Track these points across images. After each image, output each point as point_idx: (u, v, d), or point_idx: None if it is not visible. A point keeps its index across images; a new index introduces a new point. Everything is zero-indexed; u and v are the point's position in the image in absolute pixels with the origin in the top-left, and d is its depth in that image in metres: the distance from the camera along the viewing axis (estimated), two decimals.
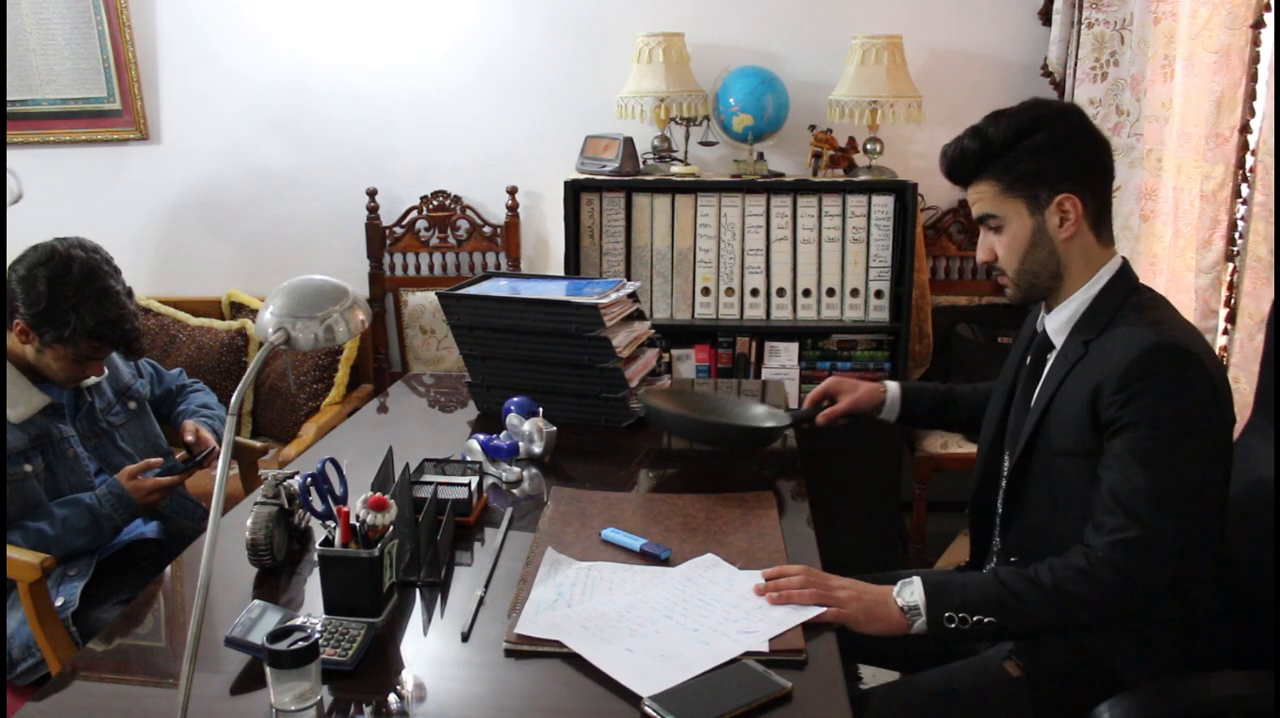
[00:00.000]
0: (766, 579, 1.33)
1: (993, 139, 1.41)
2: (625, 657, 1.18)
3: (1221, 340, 2.34)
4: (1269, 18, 2.47)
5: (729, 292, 2.90)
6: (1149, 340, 1.32)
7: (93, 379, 1.97)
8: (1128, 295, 1.43)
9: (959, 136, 1.46)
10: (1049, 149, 1.40)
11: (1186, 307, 2.37)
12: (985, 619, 1.29)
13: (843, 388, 1.84)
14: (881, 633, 1.30)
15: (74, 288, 1.82)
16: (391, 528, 1.28)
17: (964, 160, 1.45)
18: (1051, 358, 1.49)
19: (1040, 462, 1.44)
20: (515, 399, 1.88)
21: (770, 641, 1.20)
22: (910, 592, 1.32)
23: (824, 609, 1.26)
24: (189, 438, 2.07)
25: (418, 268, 3.20)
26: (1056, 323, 1.48)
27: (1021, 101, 1.45)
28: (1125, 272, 1.45)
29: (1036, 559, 1.33)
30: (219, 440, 2.10)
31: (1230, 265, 2.48)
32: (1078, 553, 1.30)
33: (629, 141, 2.84)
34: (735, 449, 1.87)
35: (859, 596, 1.31)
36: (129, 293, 1.92)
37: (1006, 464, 1.55)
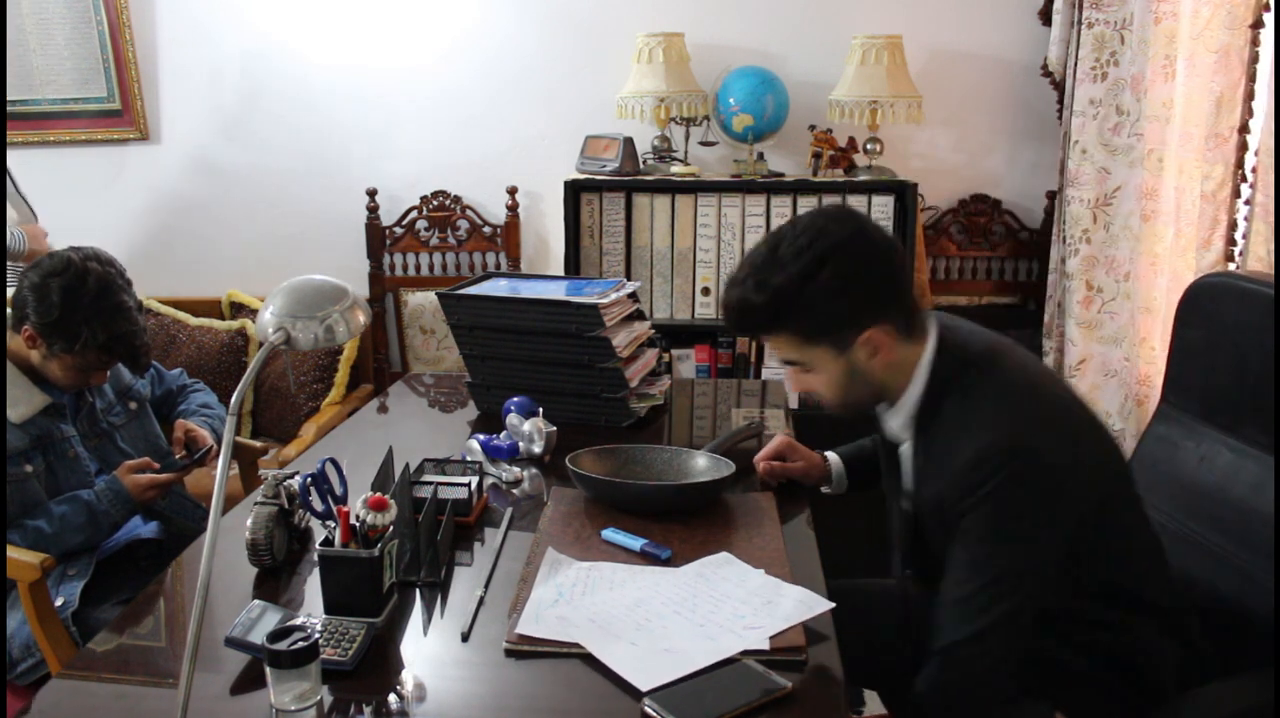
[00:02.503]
0: None
1: (780, 292, 1.30)
2: (629, 651, 1.18)
3: None
4: (1269, 18, 2.47)
5: None
6: (969, 449, 1.27)
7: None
8: (949, 377, 1.34)
9: (738, 284, 1.34)
10: (840, 291, 1.30)
11: None
12: None
13: (795, 453, 1.71)
14: None
15: (88, 301, 1.82)
16: (391, 528, 1.28)
17: (753, 316, 1.34)
18: (905, 452, 1.45)
19: (931, 558, 1.40)
20: (515, 399, 1.88)
21: (771, 638, 1.20)
22: None
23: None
24: (179, 435, 2.07)
25: (418, 268, 3.20)
26: (896, 424, 1.43)
27: (792, 222, 1.34)
28: (941, 352, 1.35)
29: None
30: (216, 438, 2.10)
31: (1230, 265, 2.48)
32: (931, 669, 1.29)
33: (629, 141, 2.84)
34: (677, 509, 1.59)
35: None
36: (139, 307, 1.92)
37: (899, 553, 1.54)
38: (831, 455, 1.74)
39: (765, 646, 1.19)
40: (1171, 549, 1.45)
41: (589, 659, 1.18)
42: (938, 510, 1.33)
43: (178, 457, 2.07)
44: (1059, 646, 1.35)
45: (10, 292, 1.90)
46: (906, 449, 1.44)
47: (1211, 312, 1.52)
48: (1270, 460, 1.41)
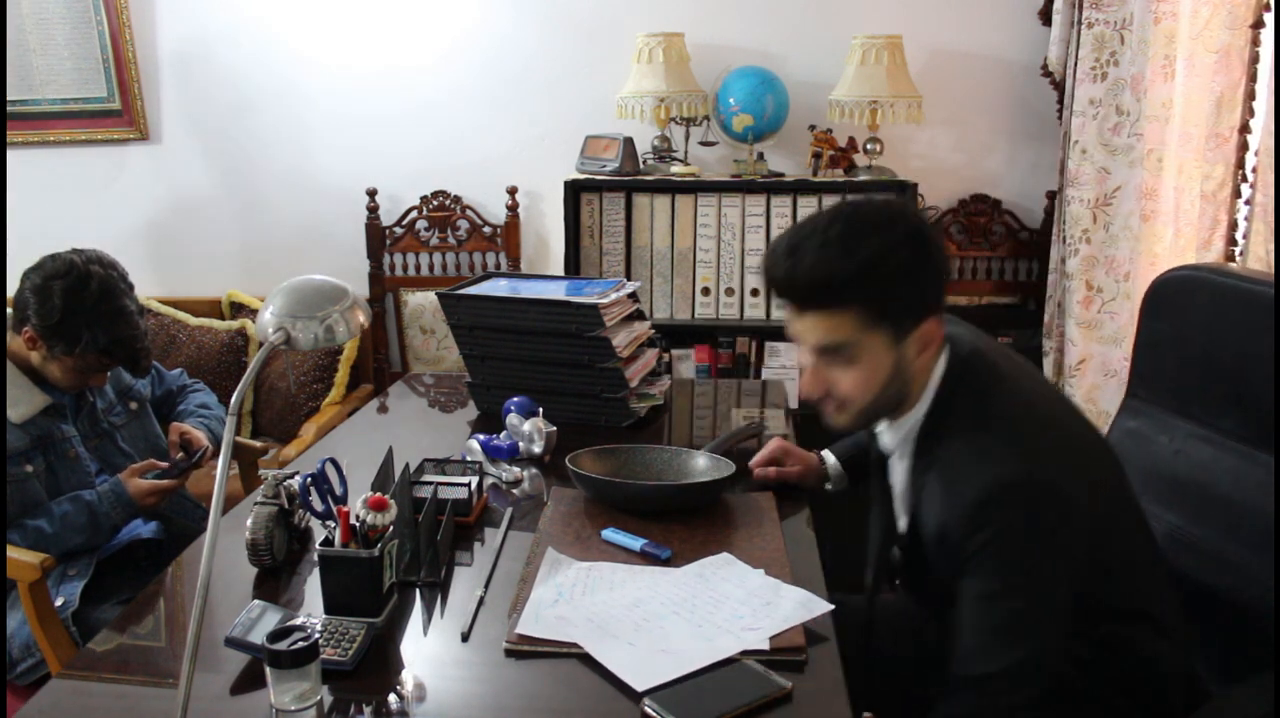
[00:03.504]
0: None
1: (869, 261, 1.18)
2: (627, 651, 1.18)
3: None
4: (1269, 18, 2.48)
5: (729, 292, 2.90)
6: (979, 485, 1.19)
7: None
8: (957, 389, 1.28)
9: (807, 250, 1.20)
10: (920, 269, 1.22)
11: None
12: None
13: (791, 456, 1.67)
14: None
15: (90, 305, 1.81)
16: (391, 528, 1.28)
17: (828, 283, 1.19)
18: (898, 469, 1.38)
19: (924, 586, 1.38)
20: (515, 399, 1.88)
21: (771, 639, 1.20)
22: None
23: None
24: (174, 438, 2.07)
25: (418, 268, 3.20)
26: (893, 439, 1.35)
27: (864, 205, 1.26)
28: (953, 363, 1.28)
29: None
30: (214, 439, 2.10)
31: (1230, 265, 2.48)
32: (964, 700, 1.22)
33: (629, 141, 2.84)
34: (677, 509, 1.59)
35: None
36: (141, 311, 1.92)
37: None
38: (827, 455, 1.73)
39: (765, 646, 1.19)
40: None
41: (589, 659, 1.17)
42: (940, 541, 1.26)
43: (175, 458, 2.06)
44: (1067, 664, 1.32)
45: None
46: (899, 464, 1.38)
47: (1180, 304, 1.52)
48: (1257, 454, 1.41)
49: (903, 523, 1.39)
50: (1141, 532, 1.36)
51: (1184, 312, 1.51)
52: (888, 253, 1.19)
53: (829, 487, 1.72)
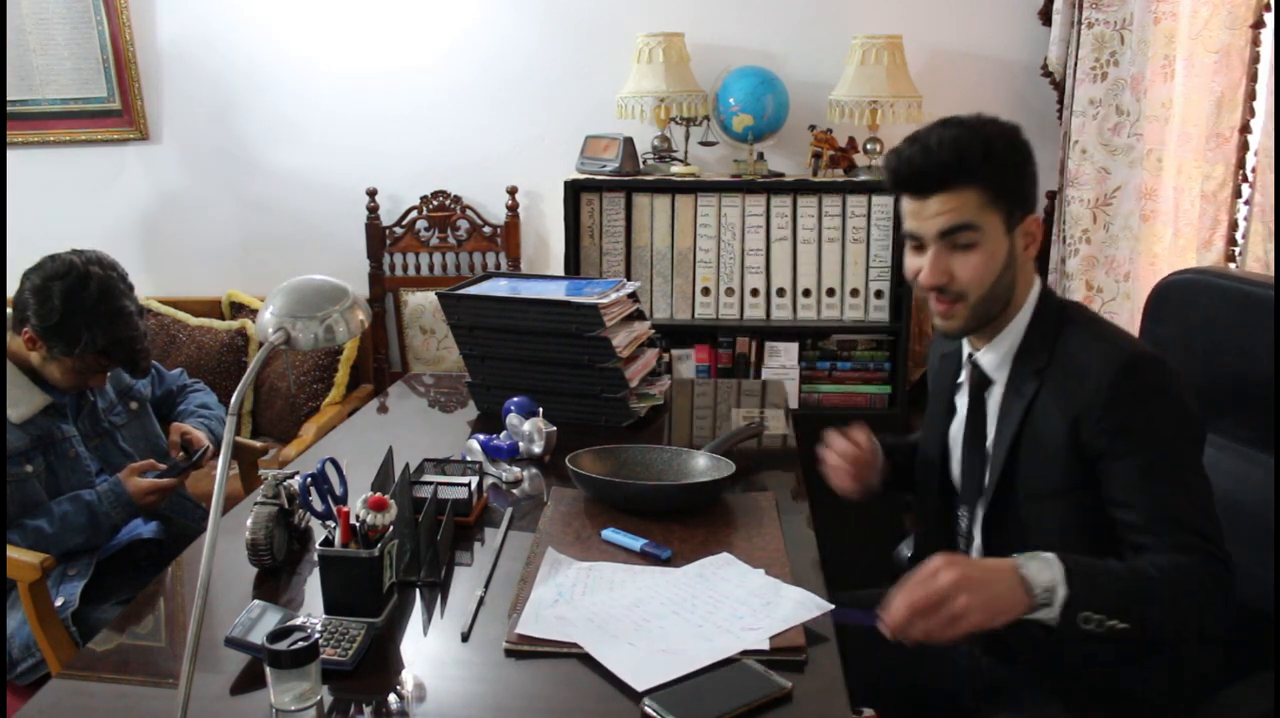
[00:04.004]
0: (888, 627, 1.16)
1: (993, 139, 1.29)
2: (626, 651, 1.18)
3: None
4: (1269, 18, 2.47)
5: (729, 292, 2.90)
6: (1116, 358, 1.25)
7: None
8: (1059, 314, 1.35)
9: (936, 131, 1.29)
10: (1029, 162, 1.32)
11: None
12: (1120, 626, 1.15)
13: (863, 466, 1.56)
14: (1004, 624, 1.15)
15: (89, 306, 1.82)
16: (391, 528, 1.28)
17: (958, 159, 1.27)
18: (994, 395, 1.40)
19: (1013, 509, 1.35)
20: (515, 399, 1.88)
21: (771, 639, 1.20)
22: (1043, 571, 1.15)
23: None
24: (174, 438, 2.07)
25: (418, 268, 3.20)
26: (994, 358, 1.38)
27: (971, 115, 1.33)
28: (1047, 290, 1.38)
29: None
30: (214, 439, 2.10)
31: (1230, 265, 2.48)
32: (1178, 559, 1.19)
33: (629, 141, 2.84)
34: (677, 509, 1.58)
35: (977, 585, 1.12)
36: (140, 312, 1.92)
37: (964, 520, 1.46)
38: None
39: (765, 646, 1.19)
40: None
41: (589, 659, 1.17)
42: (1074, 431, 1.26)
43: (175, 458, 2.06)
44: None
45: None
46: (995, 390, 1.39)
47: (1182, 307, 1.52)
48: (1252, 454, 1.41)
49: (1000, 453, 1.36)
50: None
51: (1186, 315, 1.52)
52: (1005, 138, 1.30)
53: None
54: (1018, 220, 1.32)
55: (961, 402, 1.46)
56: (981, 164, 1.28)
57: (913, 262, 1.36)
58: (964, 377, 1.45)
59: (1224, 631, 1.25)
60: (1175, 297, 1.54)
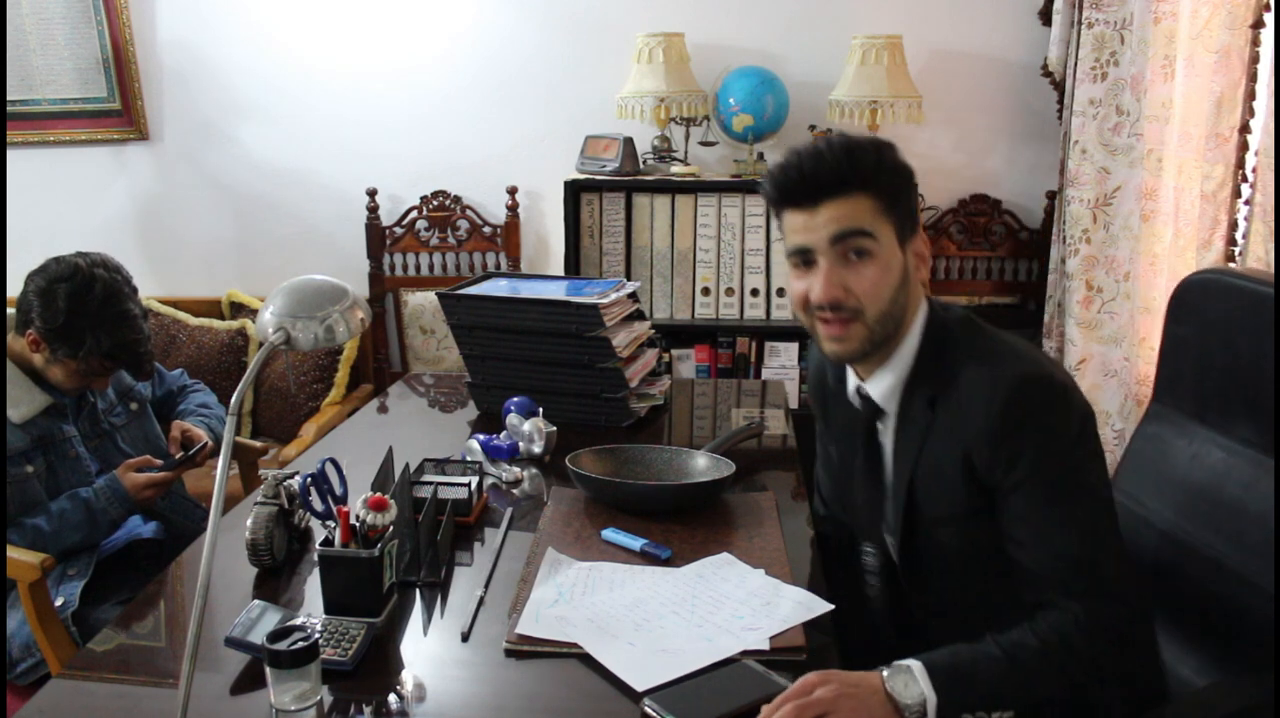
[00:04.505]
0: None
1: (880, 150, 1.25)
2: (626, 651, 1.18)
3: None
4: (1269, 18, 2.47)
5: (729, 292, 2.90)
6: (1002, 384, 1.20)
7: None
8: (948, 335, 1.29)
9: (820, 147, 1.25)
10: (911, 182, 1.28)
11: None
12: (1004, 715, 1.17)
13: None
14: None
15: (94, 308, 1.82)
16: (391, 528, 1.28)
17: (851, 164, 1.23)
18: (888, 426, 1.35)
19: (921, 536, 1.32)
20: (515, 399, 1.88)
21: (771, 639, 1.20)
22: (909, 687, 1.11)
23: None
24: (175, 435, 2.07)
25: (418, 268, 3.20)
26: (883, 387, 1.32)
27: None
28: (933, 310, 1.32)
29: (957, 623, 1.24)
30: (214, 438, 2.10)
31: (1230, 266, 2.48)
32: (1059, 617, 1.17)
33: (629, 141, 2.84)
34: (677, 509, 1.58)
35: (857, 703, 1.09)
36: (144, 314, 1.92)
37: (869, 556, 1.45)
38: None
39: (765, 646, 1.19)
40: (1161, 549, 1.44)
41: (589, 659, 1.18)
42: (967, 465, 1.23)
43: (176, 457, 2.06)
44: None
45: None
46: (888, 423, 1.35)
47: (1202, 308, 1.50)
48: (1264, 460, 1.40)
49: (900, 489, 1.33)
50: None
51: (1203, 316, 1.49)
52: (891, 150, 1.27)
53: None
54: (908, 236, 1.27)
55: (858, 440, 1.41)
56: (874, 170, 1.24)
57: (798, 285, 1.28)
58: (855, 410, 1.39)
59: (1131, 671, 1.22)
60: (1193, 298, 1.51)
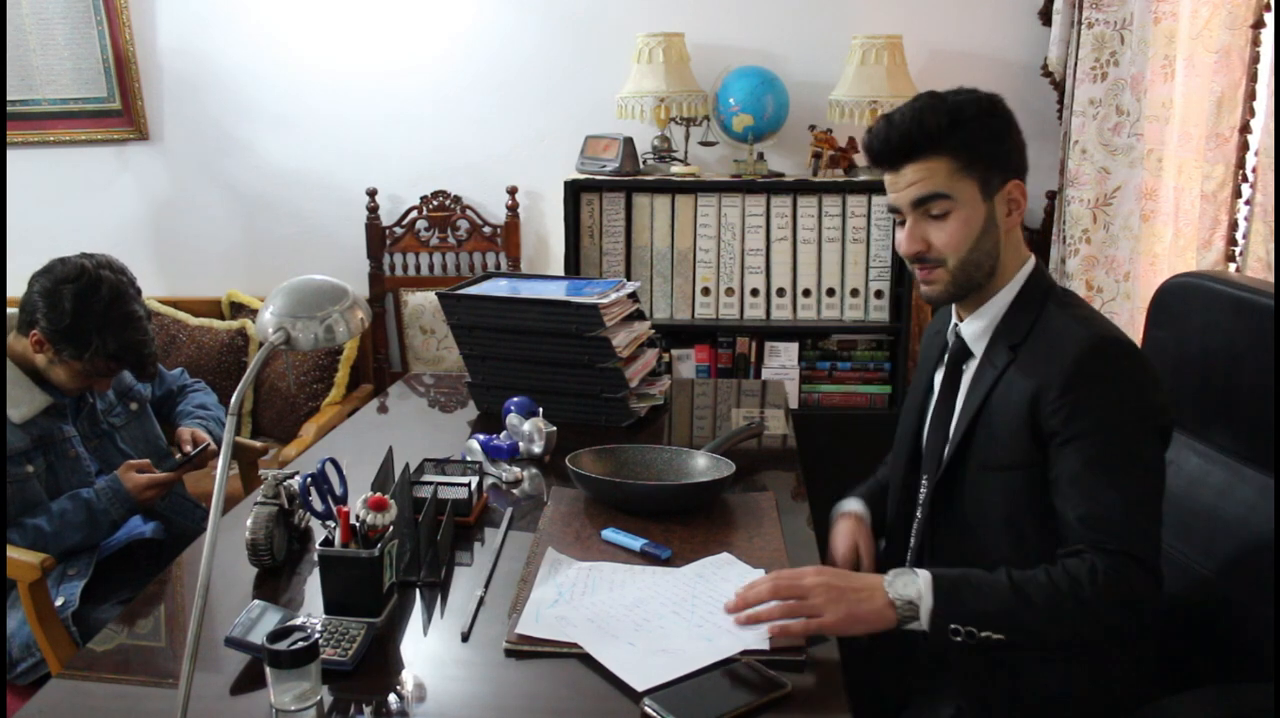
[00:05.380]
0: (736, 597, 1.21)
1: (959, 107, 1.31)
2: (626, 651, 1.18)
3: None
4: (1269, 18, 2.47)
5: (729, 292, 2.90)
6: (1086, 339, 1.26)
7: None
8: (1046, 294, 1.36)
9: (903, 109, 1.33)
10: (1006, 130, 1.35)
11: None
12: (994, 636, 1.16)
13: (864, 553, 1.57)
14: (865, 633, 1.19)
15: (100, 310, 1.82)
16: (391, 528, 1.28)
17: (921, 129, 1.30)
18: (970, 368, 1.41)
19: (964, 480, 1.36)
20: (515, 399, 1.88)
21: (771, 639, 1.20)
22: (909, 586, 1.18)
23: (802, 621, 1.19)
24: (187, 446, 2.07)
25: (418, 268, 3.20)
26: (975, 329, 1.40)
27: (952, 89, 1.37)
28: (1039, 270, 1.39)
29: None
30: (215, 440, 2.10)
31: (1231, 265, 2.48)
32: (1078, 564, 1.19)
33: (629, 141, 2.84)
34: (677, 509, 1.58)
35: (839, 595, 1.18)
36: (149, 315, 1.92)
37: (924, 487, 1.45)
38: (856, 507, 1.61)
39: (765, 646, 1.19)
40: None
41: (589, 659, 1.18)
42: (1033, 404, 1.27)
43: (178, 458, 2.06)
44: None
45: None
46: (973, 365, 1.40)
47: (1181, 313, 1.49)
48: (1239, 467, 1.38)
49: (962, 423, 1.37)
50: None
51: (1181, 320, 1.49)
52: (972, 105, 1.33)
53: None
54: (997, 187, 1.33)
55: (939, 375, 1.48)
56: (947, 133, 1.31)
57: (898, 234, 1.39)
58: (947, 349, 1.47)
59: (1135, 630, 1.23)
60: (1171, 301, 1.51)
